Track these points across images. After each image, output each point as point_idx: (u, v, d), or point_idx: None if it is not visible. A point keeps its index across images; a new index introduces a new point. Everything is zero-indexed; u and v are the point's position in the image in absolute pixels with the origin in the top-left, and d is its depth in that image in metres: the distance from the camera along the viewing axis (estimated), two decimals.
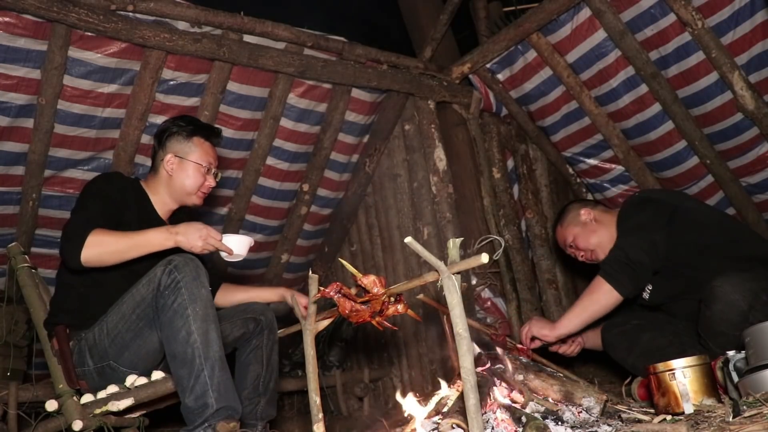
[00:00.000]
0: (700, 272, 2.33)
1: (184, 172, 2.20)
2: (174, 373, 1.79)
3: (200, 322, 1.78)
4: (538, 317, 2.57)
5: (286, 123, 3.43)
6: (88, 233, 1.86)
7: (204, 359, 1.75)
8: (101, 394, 1.88)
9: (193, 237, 1.91)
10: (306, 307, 1.84)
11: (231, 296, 2.41)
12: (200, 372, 1.74)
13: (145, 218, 2.16)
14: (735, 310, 2.12)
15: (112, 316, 1.94)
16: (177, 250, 1.93)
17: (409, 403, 1.73)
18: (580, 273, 4.11)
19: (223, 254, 2.02)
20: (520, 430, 1.59)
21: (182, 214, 2.31)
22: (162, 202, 2.24)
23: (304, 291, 1.77)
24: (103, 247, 1.86)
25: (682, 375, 1.82)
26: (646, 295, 2.57)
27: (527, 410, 1.77)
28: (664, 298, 2.52)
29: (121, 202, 2.09)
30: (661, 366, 1.87)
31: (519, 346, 2.49)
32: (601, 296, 2.34)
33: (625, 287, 2.32)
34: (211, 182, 2.25)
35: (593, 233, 2.60)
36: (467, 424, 1.36)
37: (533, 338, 2.49)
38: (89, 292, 2.04)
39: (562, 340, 2.59)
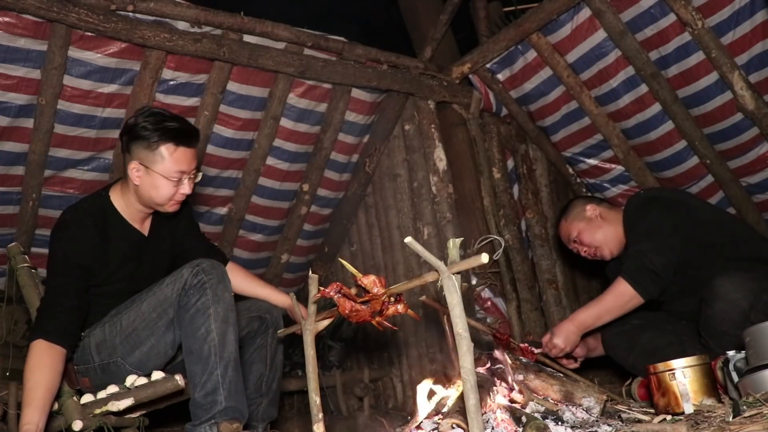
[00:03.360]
0: (702, 271, 2.33)
1: (150, 183, 1.98)
2: (188, 368, 1.83)
3: (220, 322, 1.81)
4: (556, 327, 2.55)
5: (286, 123, 3.43)
6: (37, 337, 1.79)
7: (219, 358, 1.78)
8: (101, 394, 1.88)
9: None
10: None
11: (236, 281, 2.20)
12: (214, 369, 1.78)
13: (118, 245, 2.05)
14: (736, 310, 2.12)
15: (128, 314, 1.95)
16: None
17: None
18: (581, 273, 4.11)
19: None
20: (520, 430, 1.59)
21: (163, 217, 2.19)
22: (135, 209, 2.08)
23: (305, 291, 1.77)
24: (26, 363, 1.79)
25: (682, 375, 1.82)
26: None
27: (527, 410, 1.77)
28: (666, 295, 2.52)
29: (90, 252, 1.97)
30: (661, 366, 1.88)
31: (522, 345, 2.49)
32: (625, 300, 2.35)
33: (649, 292, 2.33)
34: (185, 190, 2.02)
35: (598, 229, 2.60)
36: (467, 424, 1.36)
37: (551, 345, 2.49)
38: (89, 300, 2.04)
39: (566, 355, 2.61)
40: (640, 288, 2.32)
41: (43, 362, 1.76)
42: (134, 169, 1.98)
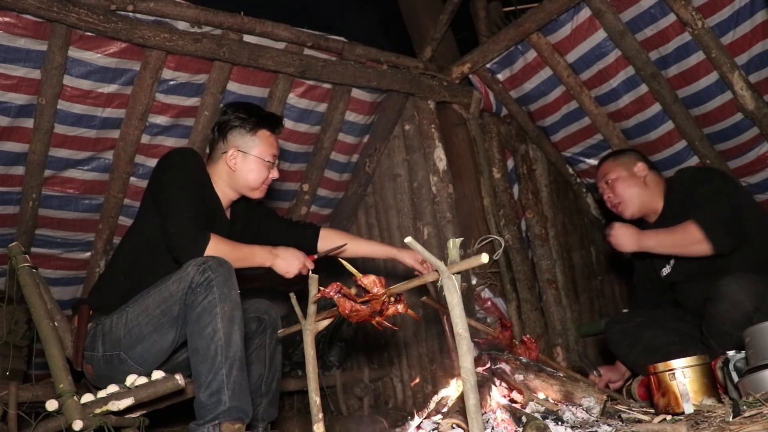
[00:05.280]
0: (722, 260, 2.31)
1: (247, 167, 2.16)
2: (193, 368, 1.83)
3: (226, 321, 1.81)
4: (621, 225, 2.46)
5: (286, 123, 3.41)
6: (206, 239, 1.92)
7: (224, 358, 1.78)
8: (101, 394, 1.88)
9: (292, 264, 2.07)
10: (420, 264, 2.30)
11: (336, 242, 2.42)
12: (219, 369, 1.77)
13: (212, 207, 2.15)
14: (740, 311, 2.11)
15: (134, 308, 1.95)
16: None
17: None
18: (581, 273, 4.11)
19: None
20: (520, 430, 1.59)
21: (240, 206, 2.30)
22: (222, 191, 2.20)
23: (305, 291, 1.77)
24: (229, 254, 1.94)
25: (682, 375, 1.82)
26: (666, 270, 2.56)
27: (527, 410, 1.77)
28: (682, 276, 2.51)
29: (202, 188, 2.11)
30: (661, 366, 1.87)
31: (525, 337, 2.49)
32: (693, 241, 2.28)
33: (721, 244, 2.25)
34: (274, 175, 2.22)
35: (635, 187, 2.56)
36: (467, 424, 1.36)
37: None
38: (126, 280, 2.05)
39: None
40: (712, 236, 2.24)
41: (225, 243, 1.98)
42: (231, 157, 2.16)
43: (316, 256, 2.24)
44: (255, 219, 2.39)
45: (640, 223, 2.64)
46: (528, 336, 2.47)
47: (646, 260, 2.67)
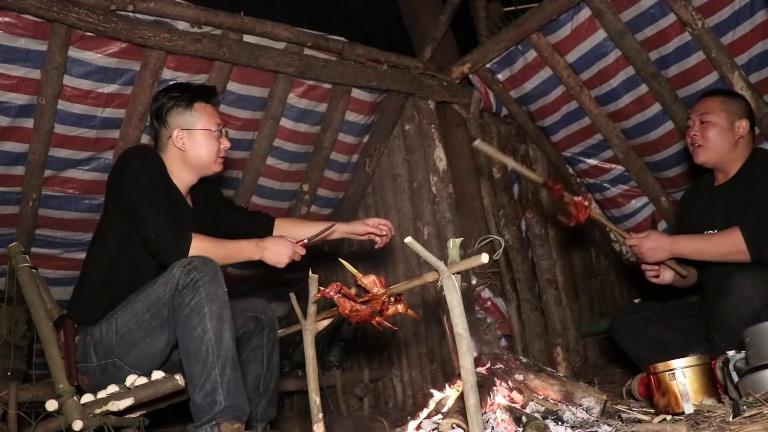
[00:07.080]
0: None
1: (197, 143, 2.12)
2: (186, 369, 1.82)
3: (215, 321, 1.80)
4: (654, 234, 2.38)
5: (286, 123, 3.43)
6: (188, 239, 1.91)
7: (216, 357, 1.77)
8: (101, 394, 1.88)
9: (281, 253, 2.06)
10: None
11: (291, 230, 2.39)
12: (212, 369, 1.77)
13: (175, 199, 2.12)
14: (748, 306, 2.09)
15: (122, 314, 1.94)
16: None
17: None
18: (581, 273, 4.11)
19: None
20: (520, 430, 1.59)
21: (199, 191, 2.27)
22: (179, 179, 2.15)
23: (305, 291, 1.77)
24: (214, 252, 1.93)
25: (682, 375, 1.82)
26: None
27: (527, 410, 1.77)
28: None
29: (165, 184, 2.08)
30: (660, 366, 1.87)
31: (576, 199, 2.40)
32: (733, 250, 2.23)
33: (761, 256, 2.20)
34: (226, 144, 2.18)
35: (726, 142, 2.39)
36: (467, 424, 1.36)
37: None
38: (107, 289, 2.04)
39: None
40: (754, 248, 2.19)
41: (209, 241, 1.97)
42: (178, 138, 2.11)
43: (306, 242, 2.21)
44: (216, 204, 2.36)
45: (712, 179, 2.54)
46: (580, 198, 2.37)
47: (689, 217, 2.61)
